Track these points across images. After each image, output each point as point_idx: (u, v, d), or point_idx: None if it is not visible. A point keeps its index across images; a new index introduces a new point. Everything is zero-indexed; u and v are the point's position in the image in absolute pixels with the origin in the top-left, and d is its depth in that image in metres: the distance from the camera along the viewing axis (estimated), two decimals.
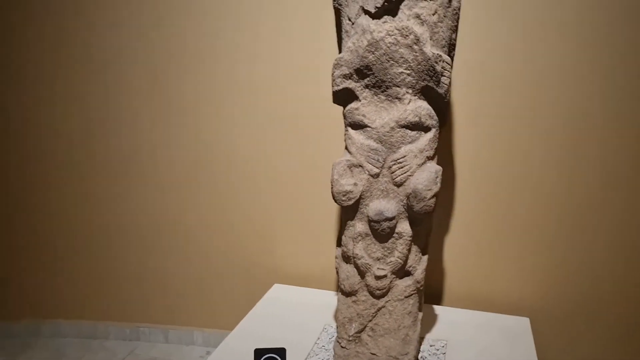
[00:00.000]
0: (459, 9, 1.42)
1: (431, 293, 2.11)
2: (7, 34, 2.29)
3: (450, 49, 1.44)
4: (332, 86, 1.42)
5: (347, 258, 1.52)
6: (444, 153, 1.97)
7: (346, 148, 1.46)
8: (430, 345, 1.78)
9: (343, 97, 1.44)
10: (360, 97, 1.41)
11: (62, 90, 2.32)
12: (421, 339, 1.75)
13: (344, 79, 1.40)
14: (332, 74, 1.41)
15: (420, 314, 1.58)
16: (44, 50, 2.29)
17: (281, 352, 1.48)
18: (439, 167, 1.42)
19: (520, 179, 1.96)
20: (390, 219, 1.42)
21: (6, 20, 2.28)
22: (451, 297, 2.11)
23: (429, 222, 1.53)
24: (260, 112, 2.17)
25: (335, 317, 1.60)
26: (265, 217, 2.24)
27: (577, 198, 1.93)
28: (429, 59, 1.33)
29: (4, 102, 2.37)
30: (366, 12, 1.35)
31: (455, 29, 1.43)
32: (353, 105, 1.43)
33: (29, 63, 2.31)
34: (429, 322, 1.92)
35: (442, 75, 1.37)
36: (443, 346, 1.78)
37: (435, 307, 2.04)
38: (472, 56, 1.91)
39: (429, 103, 1.41)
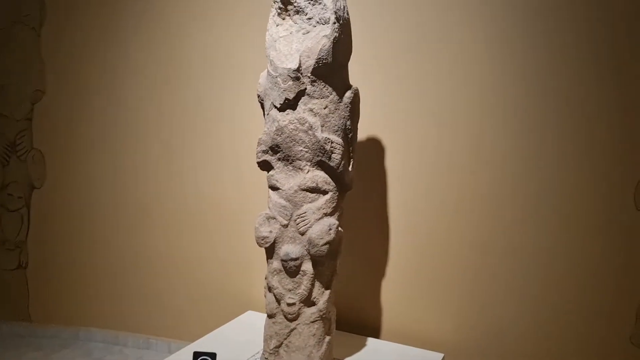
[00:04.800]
0: (351, 103, 1.88)
1: (367, 326, 2.49)
2: None
3: (347, 132, 1.89)
4: (256, 159, 1.92)
5: (269, 288, 1.98)
6: (377, 206, 2.39)
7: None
8: None
9: (264, 167, 1.93)
10: (275, 167, 1.90)
11: None
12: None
13: (263, 154, 1.90)
14: (256, 149, 1.91)
15: (328, 338, 1.99)
16: None
17: (212, 356, 1.95)
18: (334, 222, 1.87)
19: (443, 227, 2.33)
20: (295, 259, 1.87)
21: None
22: (388, 332, 2.47)
23: (332, 264, 1.95)
24: (235, 155, 2.70)
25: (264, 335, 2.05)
26: (246, 247, 2.70)
27: (494, 241, 2.25)
28: (319, 141, 1.80)
29: None
30: (275, 106, 1.84)
31: (349, 118, 1.89)
32: (271, 172, 1.91)
33: None
34: (351, 350, 2.28)
35: (332, 153, 1.83)
36: None
37: (369, 339, 2.41)
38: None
39: (326, 173, 1.86)
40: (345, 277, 2.32)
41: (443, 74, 2.24)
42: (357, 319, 2.49)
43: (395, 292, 2.44)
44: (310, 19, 1.81)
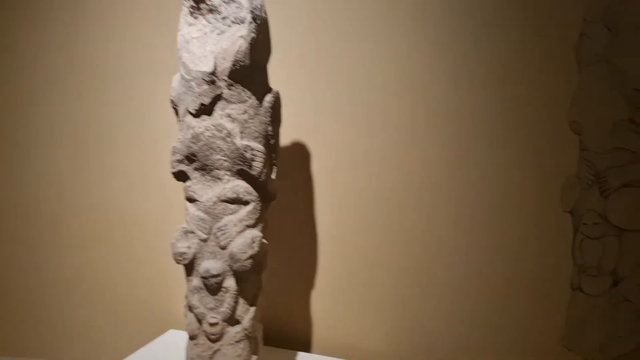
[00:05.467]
0: (272, 107, 1.77)
1: (297, 340, 2.39)
2: None
3: (268, 138, 1.79)
4: (170, 169, 1.77)
5: (189, 308, 1.83)
6: (304, 215, 2.30)
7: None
8: None
9: (180, 177, 1.79)
10: (192, 177, 1.76)
11: None
12: None
13: (178, 163, 1.76)
14: (170, 159, 1.77)
15: (255, 357, 1.87)
16: None
17: None
18: (257, 234, 1.76)
19: (373, 235, 2.27)
20: (216, 276, 1.74)
21: None
22: (319, 345, 2.39)
23: (257, 278, 1.84)
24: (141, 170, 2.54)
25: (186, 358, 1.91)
26: (166, 262, 2.54)
27: (426, 248, 2.20)
28: (239, 149, 1.69)
29: None
30: (189, 112, 1.71)
31: (270, 123, 1.78)
32: (187, 183, 1.78)
33: None
34: None
35: (253, 161, 1.72)
36: None
37: (300, 353, 2.32)
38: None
39: (248, 182, 1.75)
40: (273, 291, 2.22)
41: (372, 74, 2.18)
42: (286, 333, 2.40)
43: (325, 303, 2.36)
44: (225, 18, 1.70)
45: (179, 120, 1.78)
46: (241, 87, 1.70)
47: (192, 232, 1.76)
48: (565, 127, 1.71)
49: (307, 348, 2.40)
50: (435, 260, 2.18)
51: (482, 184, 2.08)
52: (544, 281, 1.99)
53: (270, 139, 1.80)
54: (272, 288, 2.14)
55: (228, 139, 1.68)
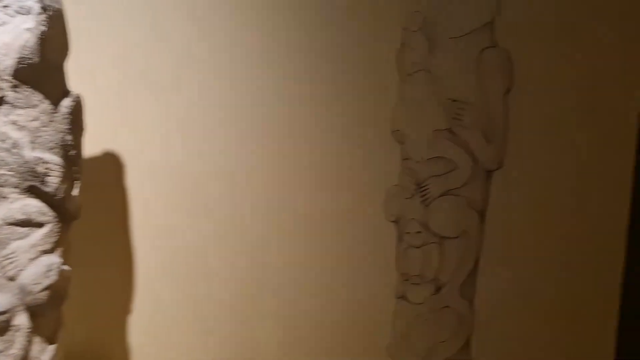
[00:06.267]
0: (71, 113, 1.53)
1: None
2: None
3: (67, 149, 1.54)
4: None
5: None
6: (115, 233, 2.07)
7: None
8: None
9: None
10: None
11: None
12: None
13: None
14: None
15: None
16: None
17: None
18: (55, 261, 1.51)
19: (188, 254, 2.09)
20: (3, 313, 1.46)
21: None
22: None
23: (56, 312, 1.59)
24: None
25: None
26: None
27: (242, 261, 2.07)
28: (28, 162, 1.43)
29: None
30: None
31: (69, 131, 1.54)
32: None
33: None
34: None
35: (48, 176, 1.47)
36: None
37: None
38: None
39: (42, 200, 1.49)
40: (82, 322, 1.95)
41: (184, 75, 2.01)
42: None
43: (143, 328, 2.14)
44: (6, 7, 1.44)
45: None
46: (30, 89, 1.47)
47: None
48: (390, 136, 1.70)
49: None
50: (261, 269, 2.07)
51: (307, 193, 2.02)
52: (369, 289, 1.96)
53: (69, 150, 1.56)
54: (81, 318, 1.88)
55: (14, 151, 1.43)
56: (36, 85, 1.47)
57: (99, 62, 2.02)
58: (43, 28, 1.43)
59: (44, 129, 1.48)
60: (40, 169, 1.45)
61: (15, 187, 1.46)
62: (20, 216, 1.46)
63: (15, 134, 1.43)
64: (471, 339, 1.66)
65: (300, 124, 1.96)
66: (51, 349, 1.58)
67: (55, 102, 1.51)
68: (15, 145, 1.42)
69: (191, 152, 2.04)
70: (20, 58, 1.41)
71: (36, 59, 1.43)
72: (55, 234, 1.53)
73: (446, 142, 1.61)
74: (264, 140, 2.00)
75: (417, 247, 1.65)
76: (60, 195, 1.51)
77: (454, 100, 1.59)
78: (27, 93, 1.45)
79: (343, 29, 1.91)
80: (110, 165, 2.07)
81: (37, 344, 1.54)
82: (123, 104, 2.05)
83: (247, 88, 1.99)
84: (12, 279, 1.47)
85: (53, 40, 1.48)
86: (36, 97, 1.47)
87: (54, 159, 1.49)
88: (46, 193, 1.48)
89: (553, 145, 1.57)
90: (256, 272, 2.07)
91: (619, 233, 1.56)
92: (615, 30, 1.49)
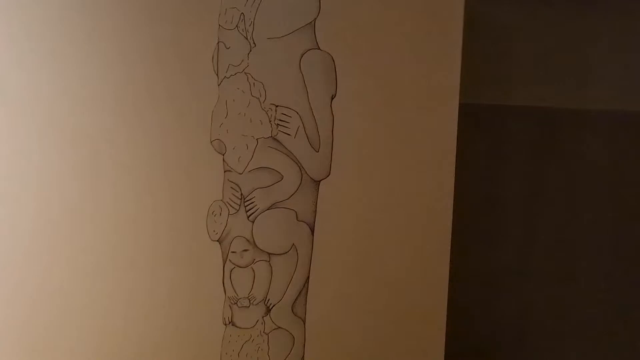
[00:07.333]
0: None
1: None
2: None
3: None
4: None
5: None
6: None
7: None
8: None
9: None
10: None
11: None
12: None
13: None
14: None
15: None
16: None
17: None
18: None
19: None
20: None
21: None
22: None
23: None
24: None
25: None
26: None
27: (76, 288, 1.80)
28: None
29: None
30: None
31: None
32: None
33: None
34: None
35: None
36: None
37: None
38: None
39: None
40: None
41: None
42: None
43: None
44: None
45: None
46: None
47: None
48: (209, 146, 1.56)
49: None
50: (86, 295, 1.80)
51: (127, 212, 1.78)
52: (195, 316, 1.79)
53: None
54: None
55: None
56: None
57: None
58: None
59: None
60: None
61: None
62: None
63: None
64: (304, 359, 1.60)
65: (106, 136, 1.72)
66: None
67: None
68: None
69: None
70: None
71: None
72: None
73: (271, 151, 1.53)
74: (78, 158, 1.71)
75: (243, 267, 1.56)
76: None
77: (277, 106, 1.51)
78: None
79: (156, 23, 1.71)
80: None
81: None
82: None
83: (42, 94, 1.69)
84: None
85: None
86: None
87: None
88: None
89: (377, 150, 1.55)
90: (81, 297, 1.80)
91: (444, 236, 1.60)
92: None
